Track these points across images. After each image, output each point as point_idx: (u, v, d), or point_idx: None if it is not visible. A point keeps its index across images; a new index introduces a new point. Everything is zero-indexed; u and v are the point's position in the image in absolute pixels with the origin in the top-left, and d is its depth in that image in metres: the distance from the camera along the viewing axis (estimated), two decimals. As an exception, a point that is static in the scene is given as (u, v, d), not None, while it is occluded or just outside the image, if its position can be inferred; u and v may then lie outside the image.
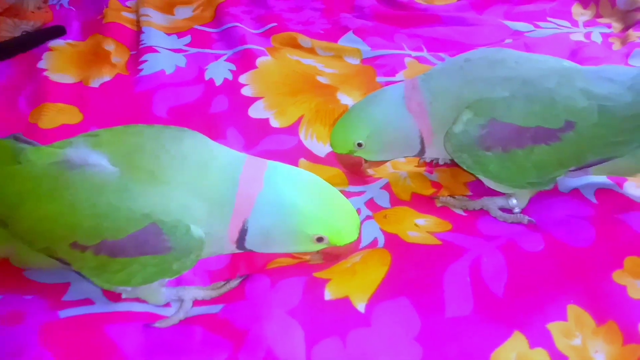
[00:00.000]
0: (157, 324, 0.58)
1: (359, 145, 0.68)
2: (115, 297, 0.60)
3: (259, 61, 0.97)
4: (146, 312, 0.59)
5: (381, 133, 0.67)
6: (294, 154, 0.81)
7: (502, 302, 0.60)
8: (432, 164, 0.79)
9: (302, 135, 0.84)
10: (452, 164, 0.77)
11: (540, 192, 0.70)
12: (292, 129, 0.85)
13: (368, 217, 0.71)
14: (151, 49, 1.01)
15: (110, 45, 1.03)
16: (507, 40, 1.03)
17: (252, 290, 0.61)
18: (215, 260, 0.64)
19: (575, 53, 0.97)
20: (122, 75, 0.96)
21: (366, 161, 0.71)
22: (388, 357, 0.55)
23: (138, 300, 0.60)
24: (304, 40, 1.04)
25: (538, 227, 0.68)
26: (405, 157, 0.75)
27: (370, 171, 0.75)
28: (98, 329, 0.57)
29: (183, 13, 1.15)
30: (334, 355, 0.56)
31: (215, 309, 0.60)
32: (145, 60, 0.98)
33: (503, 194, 0.70)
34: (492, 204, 0.70)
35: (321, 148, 0.82)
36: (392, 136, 0.67)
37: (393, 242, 0.66)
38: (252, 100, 0.90)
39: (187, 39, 1.06)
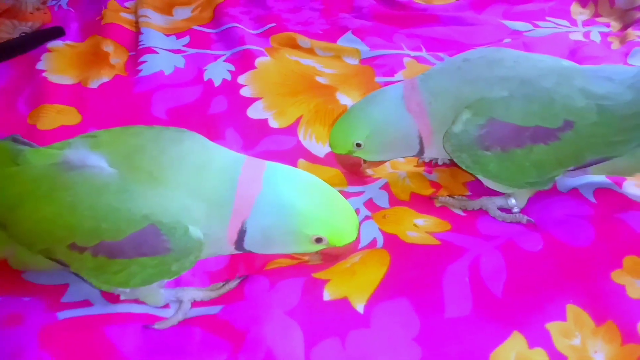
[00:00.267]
0: (156, 325, 0.58)
1: (358, 145, 0.68)
2: (114, 298, 0.60)
3: (258, 61, 0.97)
4: (145, 313, 0.59)
5: (380, 133, 0.67)
6: (293, 155, 0.81)
7: (501, 302, 0.60)
8: (431, 164, 0.79)
9: (301, 136, 0.84)
10: (451, 164, 0.77)
11: (539, 192, 0.70)
12: (291, 130, 0.85)
13: (367, 218, 0.71)
14: (150, 50, 1.01)
15: (109, 46, 1.03)
16: (506, 40, 1.03)
17: (251, 291, 0.61)
18: (214, 261, 0.64)
19: (574, 52, 0.97)
20: (121, 76, 0.96)
21: (365, 161, 0.71)
22: (387, 358, 0.55)
23: (137, 301, 0.60)
24: (303, 40, 1.04)
25: (537, 226, 0.68)
26: (404, 157, 0.75)
27: (369, 171, 0.75)
28: (97, 330, 0.57)
29: (182, 14, 1.15)
30: (333, 355, 0.56)
31: (215, 309, 0.60)
32: (144, 61, 0.98)
33: (502, 194, 0.70)
34: (491, 204, 0.70)
35: (320, 148, 0.82)
36: (391, 136, 0.67)
37: (392, 243, 0.66)
38: (251, 100, 0.90)
39: (186, 39, 1.06)
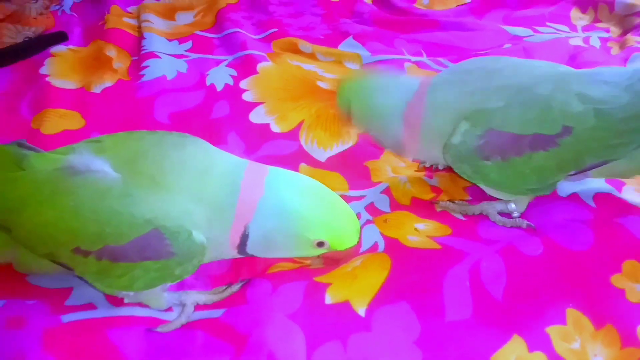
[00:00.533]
0: (159, 329, 0.59)
1: (349, 112, 0.70)
2: (117, 301, 0.60)
3: (260, 66, 0.98)
4: (148, 316, 0.60)
5: (368, 120, 0.69)
6: (295, 159, 0.81)
7: (501, 306, 0.60)
8: (432, 169, 0.79)
9: (302, 140, 0.85)
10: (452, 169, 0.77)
11: (539, 197, 0.71)
12: (293, 134, 0.86)
13: (368, 222, 0.71)
14: (152, 55, 1.01)
15: (111, 51, 1.04)
16: (506, 45, 1.03)
17: (253, 294, 0.61)
18: (217, 264, 0.65)
19: (574, 57, 0.98)
20: (123, 81, 0.97)
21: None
22: (388, 361, 0.56)
23: (140, 304, 0.60)
24: (305, 45, 1.05)
25: (537, 231, 0.68)
26: (385, 146, 0.75)
27: (353, 130, 0.76)
28: (100, 333, 0.57)
29: (184, 19, 1.16)
30: (335, 359, 0.56)
31: (217, 313, 0.60)
32: (147, 66, 0.99)
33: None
34: (491, 209, 0.70)
35: (322, 153, 0.83)
36: (376, 127, 0.70)
37: (393, 247, 0.67)
38: (253, 105, 0.91)
39: (188, 44, 1.07)
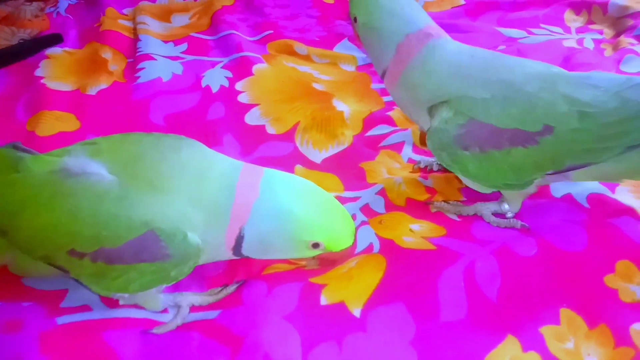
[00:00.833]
0: (154, 330, 0.59)
1: (355, 19, 0.71)
2: (113, 303, 0.60)
3: (255, 68, 0.98)
4: (144, 318, 0.60)
5: (368, 33, 0.69)
6: (290, 161, 0.82)
7: (495, 307, 0.60)
8: (427, 170, 0.80)
9: (298, 142, 0.85)
10: (446, 170, 0.78)
11: (533, 197, 0.71)
12: (288, 136, 0.86)
13: (363, 223, 0.71)
14: (148, 57, 1.01)
15: (107, 53, 1.04)
16: (501, 47, 1.04)
17: (249, 296, 0.61)
18: (212, 266, 0.65)
19: (568, 59, 0.98)
20: (119, 83, 0.97)
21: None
22: (383, 361, 0.56)
23: (136, 306, 0.60)
24: (300, 47, 1.05)
25: (531, 231, 0.69)
26: (375, 66, 0.74)
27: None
28: (96, 335, 0.57)
29: (180, 21, 1.16)
30: (330, 359, 0.56)
31: (213, 314, 0.60)
32: (142, 68, 0.99)
33: (496, 199, 0.71)
34: (486, 210, 0.71)
35: (317, 154, 0.83)
36: (372, 43, 0.70)
37: (388, 248, 0.67)
38: (248, 107, 0.91)
39: (184, 46, 1.07)
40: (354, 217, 0.71)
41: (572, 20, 1.12)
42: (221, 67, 1.00)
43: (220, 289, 0.63)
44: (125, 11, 1.18)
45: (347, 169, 0.80)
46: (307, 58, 1.04)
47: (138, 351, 0.57)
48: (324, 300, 0.61)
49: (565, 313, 0.60)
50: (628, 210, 0.71)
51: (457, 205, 0.73)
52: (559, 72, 0.64)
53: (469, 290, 0.62)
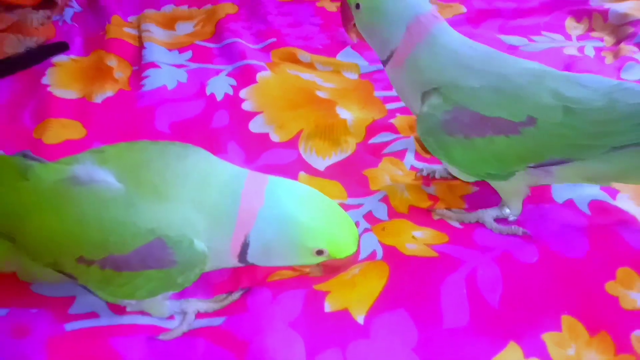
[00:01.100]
0: (161, 337, 0.59)
1: (357, 6, 0.70)
2: (120, 309, 0.61)
3: (259, 76, 0.99)
4: (150, 324, 0.61)
5: (374, 15, 0.69)
6: (294, 168, 0.82)
7: (497, 313, 0.61)
8: (429, 178, 0.80)
9: (301, 149, 0.86)
10: (449, 178, 0.79)
11: (536, 202, 0.72)
12: (292, 143, 0.87)
13: (366, 230, 0.72)
14: (153, 65, 1.02)
15: (112, 61, 1.05)
16: (502, 55, 1.05)
17: (253, 302, 0.62)
18: (217, 273, 0.66)
19: (569, 67, 0.99)
20: (124, 91, 0.98)
21: (354, 25, 0.73)
22: (387, 368, 0.57)
23: (142, 312, 0.61)
24: (303, 55, 1.06)
25: (533, 238, 0.69)
26: (378, 55, 0.74)
27: (353, 36, 0.76)
28: (103, 341, 0.58)
29: (184, 29, 1.17)
30: (334, 366, 0.57)
31: (218, 321, 0.61)
32: (147, 76, 1.00)
33: (496, 204, 0.72)
34: (487, 217, 0.72)
35: (320, 162, 0.84)
36: (378, 25, 0.69)
37: (391, 255, 0.68)
38: (252, 114, 0.92)
39: (188, 54, 1.08)
40: (357, 224, 0.72)
41: (573, 27, 1.13)
42: (225, 75, 1.01)
43: (225, 295, 0.63)
44: (130, 19, 1.19)
45: (351, 176, 0.81)
46: (310, 66, 1.05)
47: (144, 357, 0.57)
48: (328, 307, 0.62)
49: (566, 320, 0.60)
50: (629, 217, 0.71)
51: (459, 213, 0.74)
52: (552, 70, 0.65)
53: (471, 297, 0.62)
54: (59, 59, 1.06)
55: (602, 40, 1.09)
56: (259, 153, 0.85)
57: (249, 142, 0.87)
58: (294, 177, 0.80)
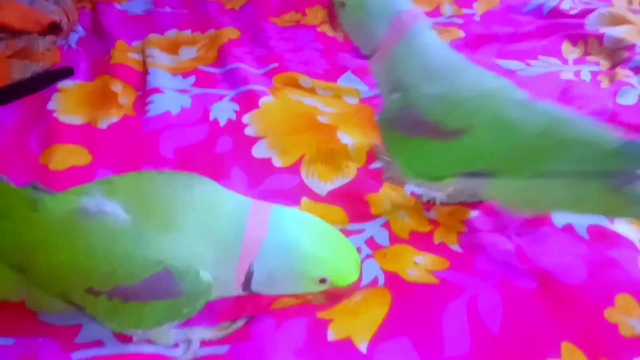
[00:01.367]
0: (166, 365, 0.60)
1: (342, 4, 0.74)
2: (125, 339, 0.62)
3: (262, 101, 1.01)
4: (156, 353, 0.61)
5: (360, 11, 0.72)
6: (296, 193, 0.83)
7: (498, 340, 0.62)
8: (429, 204, 0.81)
9: (303, 174, 0.87)
10: (449, 203, 0.80)
11: (535, 226, 0.74)
12: (294, 168, 0.88)
13: (368, 256, 0.73)
14: (157, 90, 1.04)
15: (117, 86, 1.06)
16: (500, 79, 1.07)
17: (257, 330, 0.63)
18: (222, 300, 0.66)
19: (566, 91, 1.01)
20: (129, 117, 0.99)
21: (340, 25, 0.76)
22: (389, 396, 0.58)
23: (148, 341, 0.62)
24: (305, 80, 1.08)
25: (532, 263, 0.70)
26: (363, 51, 0.77)
27: (340, 36, 0.80)
28: (109, 370, 0.59)
29: (187, 53, 1.19)
30: (338, 394, 0.58)
31: (222, 349, 0.62)
32: (152, 101, 1.01)
33: (496, 231, 0.73)
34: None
35: (322, 187, 0.85)
36: (363, 21, 0.72)
37: (393, 281, 0.69)
38: (255, 139, 0.93)
39: (192, 79, 1.10)
40: (359, 250, 0.73)
41: (570, 52, 1.15)
42: (229, 100, 1.02)
43: (229, 323, 0.64)
44: (134, 44, 1.20)
45: (352, 201, 0.82)
46: (311, 91, 1.06)
47: (150, 386, 0.58)
48: (331, 335, 0.63)
49: (566, 347, 0.61)
50: (627, 243, 0.72)
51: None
52: (508, 90, 0.67)
53: (472, 324, 0.63)
54: (65, 84, 1.07)
55: (598, 64, 1.11)
56: (262, 178, 0.86)
57: (252, 167, 0.88)
58: (297, 202, 0.82)
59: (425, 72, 0.68)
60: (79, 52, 1.18)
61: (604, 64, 1.10)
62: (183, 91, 1.06)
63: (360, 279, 0.60)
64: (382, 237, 0.76)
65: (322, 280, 0.58)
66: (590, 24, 1.18)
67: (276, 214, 0.58)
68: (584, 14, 1.21)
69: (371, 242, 0.75)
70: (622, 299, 0.65)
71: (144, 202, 0.57)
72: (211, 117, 0.99)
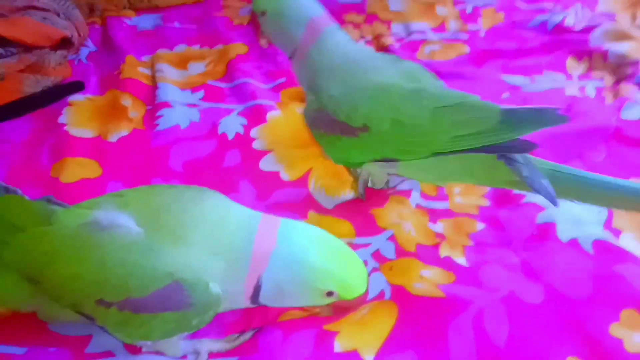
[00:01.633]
0: (175, 376, 0.61)
1: (263, 13, 0.82)
2: (135, 349, 0.63)
3: (269, 115, 1.02)
4: (164, 364, 0.62)
5: (279, 18, 0.80)
6: (304, 206, 0.84)
7: (504, 354, 0.62)
8: (436, 215, 0.82)
9: (311, 188, 0.88)
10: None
11: (541, 241, 0.75)
12: (301, 182, 0.89)
13: (375, 269, 0.74)
14: (166, 104, 1.05)
15: (127, 100, 1.08)
16: (505, 95, 1.08)
17: (265, 342, 0.63)
18: (230, 312, 0.67)
19: (570, 107, 1.02)
20: (138, 130, 1.01)
21: (263, 33, 0.85)
22: (396, 409, 0.58)
23: (157, 352, 0.62)
24: (311, 94, 1.09)
25: (538, 277, 0.70)
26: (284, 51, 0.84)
27: (264, 42, 0.88)
28: (119, 381, 0.60)
29: (196, 68, 1.20)
30: (345, 407, 0.58)
31: (231, 361, 0.63)
32: (161, 115, 1.03)
33: (497, 246, 0.75)
34: (361, 186, 0.85)
35: (329, 200, 0.86)
36: (282, 27, 0.80)
37: (399, 294, 0.69)
38: (262, 153, 0.95)
39: (201, 93, 1.11)
40: (365, 263, 0.74)
41: (574, 67, 1.16)
42: (237, 115, 1.04)
43: (237, 335, 0.65)
44: (144, 58, 1.22)
45: (359, 214, 0.83)
46: (318, 105, 1.07)
47: (159, 397, 0.59)
48: (338, 347, 0.63)
49: (572, 362, 0.61)
50: (632, 258, 0.72)
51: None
52: (402, 86, 0.72)
53: (478, 338, 0.64)
54: (75, 98, 1.09)
55: (602, 80, 1.12)
56: (270, 191, 0.87)
57: (260, 181, 0.89)
58: (304, 215, 0.83)
59: (332, 73, 0.76)
60: (89, 66, 1.20)
61: (609, 80, 1.11)
62: (192, 105, 1.07)
63: (367, 292, 0.61)
64: (389, 250, 0.77)
65: (330, 293, 0.59)
66: (595, 39, 1.19)
67: (284, 227, 0.59)
68: (588, 30, 1.22)
69: (377, 255, 0.76)
70: (627, 314, 0.65)
71: (156, 215, 0.58)
72: (219, 131, 1.00)
